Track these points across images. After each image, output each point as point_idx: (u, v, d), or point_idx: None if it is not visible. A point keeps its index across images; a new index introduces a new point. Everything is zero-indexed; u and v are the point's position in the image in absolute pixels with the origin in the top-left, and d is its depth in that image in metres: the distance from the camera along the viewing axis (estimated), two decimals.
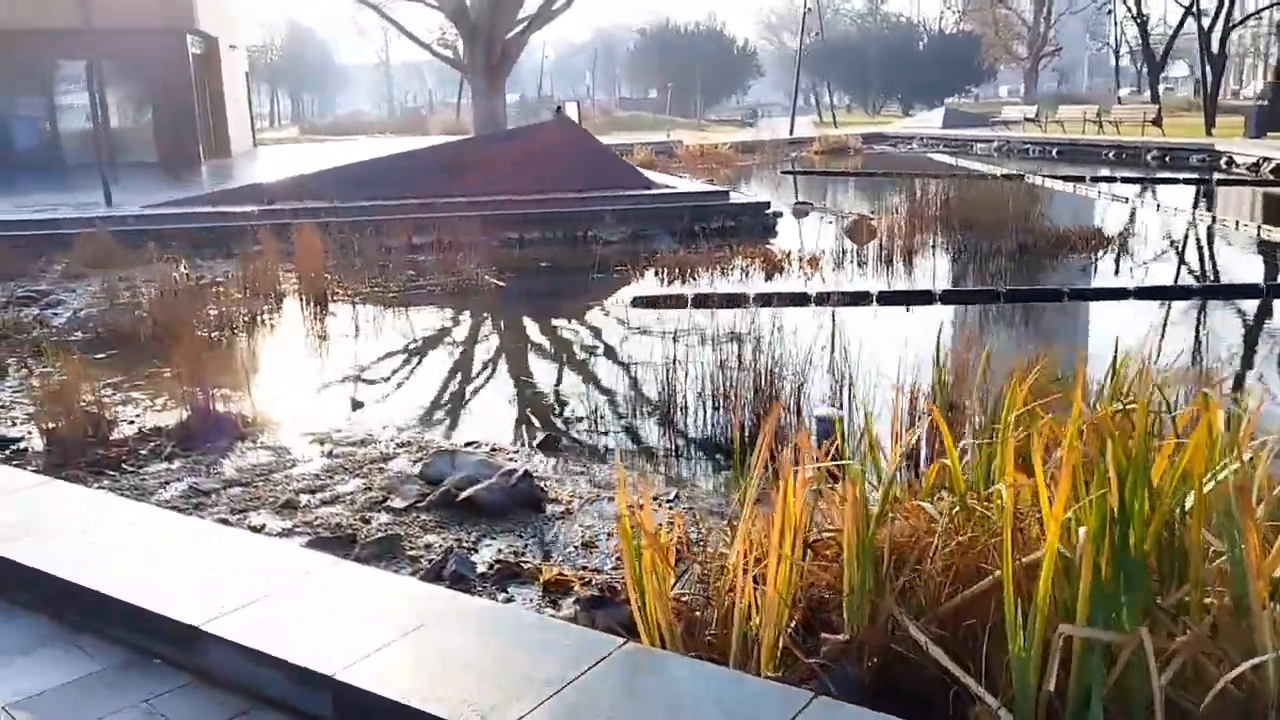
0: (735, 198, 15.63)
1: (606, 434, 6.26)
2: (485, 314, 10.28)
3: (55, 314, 10.10)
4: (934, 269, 11.84)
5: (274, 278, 10.58)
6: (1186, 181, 21.14)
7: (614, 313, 10.02)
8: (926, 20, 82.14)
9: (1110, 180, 19.37)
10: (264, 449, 6.06)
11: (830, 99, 56.71)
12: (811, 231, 15.28)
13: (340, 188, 15.26)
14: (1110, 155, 27.16)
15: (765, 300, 9.78)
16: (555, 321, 10.03)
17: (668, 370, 6.43)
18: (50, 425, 6.11)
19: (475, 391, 7.55)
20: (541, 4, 31.53)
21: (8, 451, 6.10)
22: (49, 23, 23.03)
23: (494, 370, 8.24)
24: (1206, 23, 34.56)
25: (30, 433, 6.42)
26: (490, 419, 6.72)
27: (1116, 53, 75.20)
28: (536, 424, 6.60)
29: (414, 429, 6.44)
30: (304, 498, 5.23)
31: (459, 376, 8.01)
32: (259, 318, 9.82)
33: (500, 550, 4.53)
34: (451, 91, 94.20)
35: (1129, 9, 40.86)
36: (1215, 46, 33.41)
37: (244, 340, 9.27)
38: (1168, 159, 25.66)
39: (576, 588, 4.12)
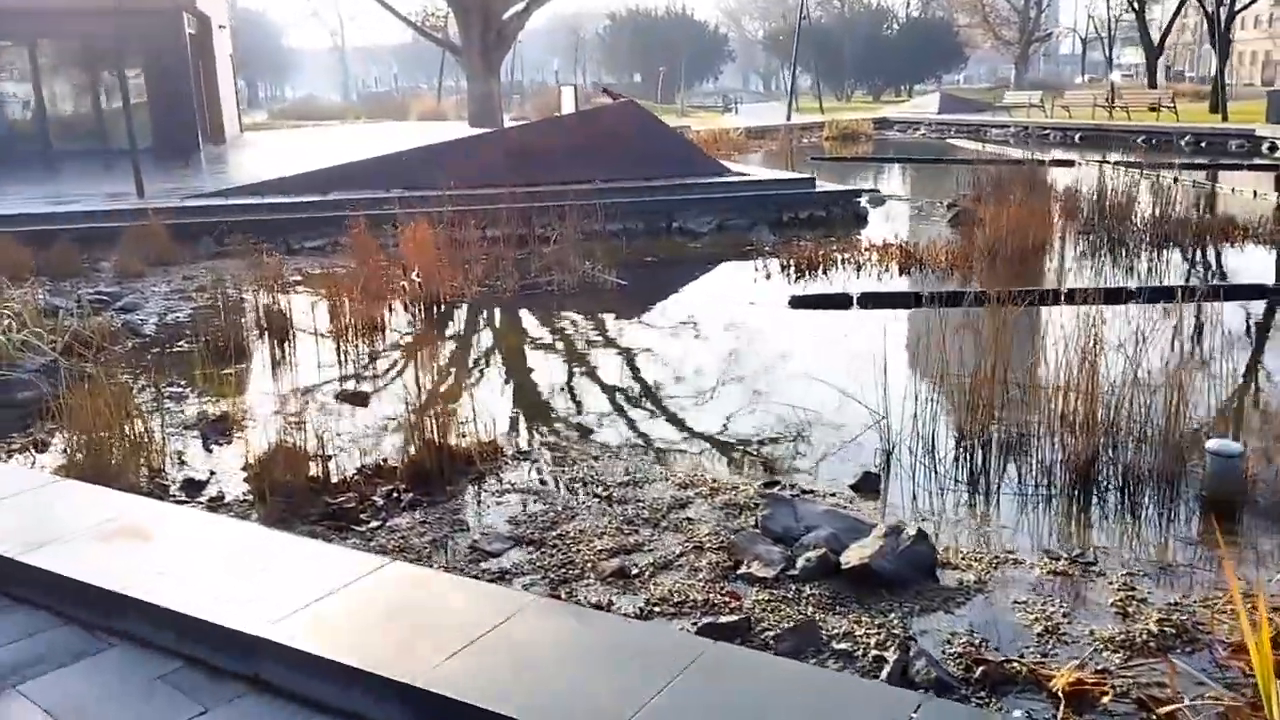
0: (821, 186, 14.71)
1: (928, 470, 5.29)
2: (637, 317, 9.17)
3: (139, 319, 8.91)
4: (1126, 265, 10.84)
5: (384, 276, 9.43)
6: (1260, 168, 20.50)
7: (775, 314, 9.06)
8: (894, 5, 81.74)
9: (1188, 167, 18.68)
10: (520, 491, 5.05)
11: (817, 86, 55.73)
12: (902, 221, 14.42)
13: (391, 177, 14.13)
14: (1140, 141, 26.60)
15: (941, 299, 8.86)
16: (724, 327, 8.93)
17: (936, 384, 5.48)
18: (255, 465, 5.04)
19: (709, 412, 6.47)
20: None
21: (204, 498, 5.02)
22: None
23: (715, 387, 7.05)
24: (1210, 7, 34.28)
25: (214, 473, 5.35)
26: (758, 448, 5.74)
27: (1085, 40, 75.48)
28: (821, 455, 5.61)
29: (675, 462, 5.44)
30: (619, 560, 4.23)
31: (678, 394, 6.93)
32: (380, 322, 8.70)
33: (949, 639, 3.59)
34: (419, 77, 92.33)
35: None
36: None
37: (397, 352, 8.18)
38: (1203, 144, 25.15)
39: (1106, 700, 3.19)
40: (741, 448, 5.76)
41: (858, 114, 40.99)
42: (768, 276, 10.58)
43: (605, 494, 4.97)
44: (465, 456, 5.34)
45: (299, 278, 10.92)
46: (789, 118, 39.99)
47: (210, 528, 3.84)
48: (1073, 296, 6.77)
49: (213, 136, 25.86)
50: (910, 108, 44.01)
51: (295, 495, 4.86)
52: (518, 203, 12.14)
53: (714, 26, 77.16)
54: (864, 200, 14.77)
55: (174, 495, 5.09)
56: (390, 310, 9.06)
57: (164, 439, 5.49)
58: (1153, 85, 39.26)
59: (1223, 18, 33.90)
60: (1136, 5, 39.34)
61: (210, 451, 5.84)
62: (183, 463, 5.56)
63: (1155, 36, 40.95)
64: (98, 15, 21.44)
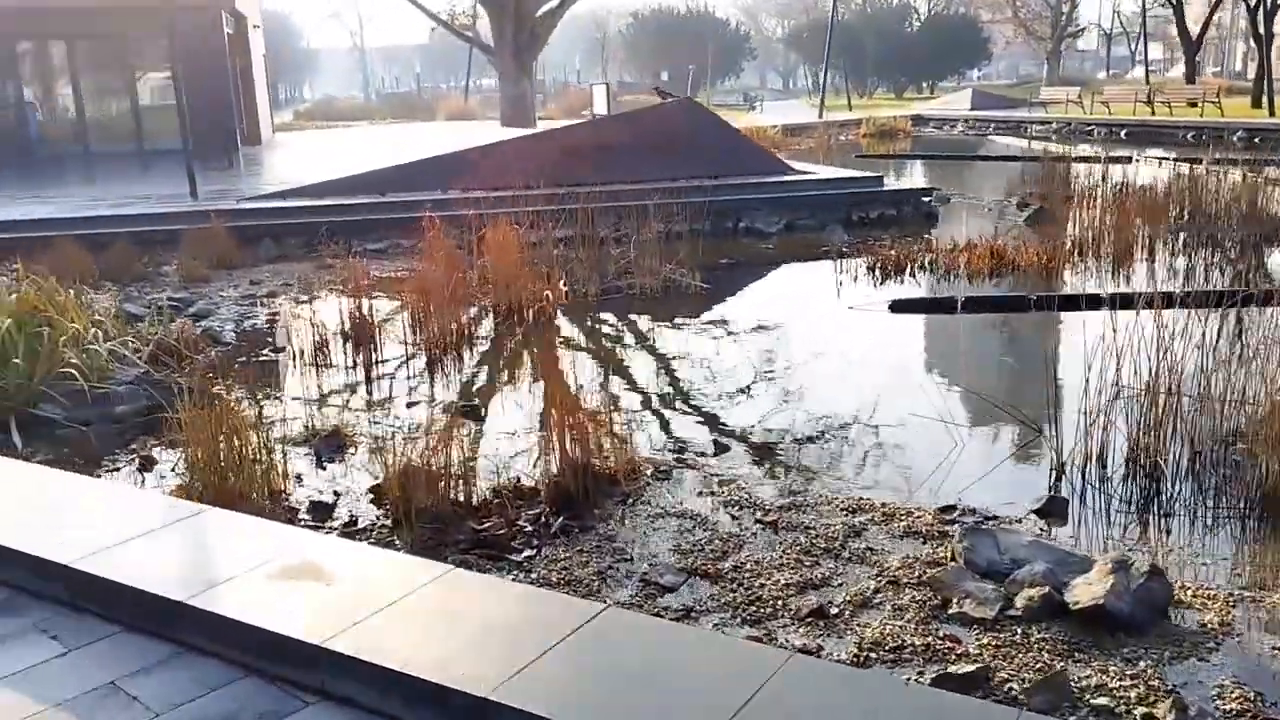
0: (890, 184, 14.32)
1: (1104, 492, 4.91)
2: (732, 323, 8.75)
3: (216, 326, 8.60)
4: (1236, 265, 10.35)
5: (463, 280, 9.05)
6: None
7: (877, 319, 8.68)
8: (916, 1, 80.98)
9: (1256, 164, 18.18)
10: (673, 515, 4.70)
11: (846, 82, 55.19)
12: (974, 221, 14.01)
13: (446, 177, 13.80)
14: (1189, 137, 26.09)
15: (1049, 303, 8.51)
16: (828, 333, 8.52)
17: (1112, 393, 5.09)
18: (389, 487, 4.70)
19: (848, 427, 6.11)
20: None
21: (335, 523, 4.69)
22: None
23: (844, 398, 6.67)
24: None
25: (338, 494, 5.02)
26: (913, 465, 5.37)
27: (1109, 36, 74.66)
28: (981, 473, 5.23)
29: (830, 483, 5.08)
30: (815, 598, 3.88)
31: (808, 406, 6.52)
32: (466, 329, 8.36)
33: (1218, 693, 3.22)
34: (439, 77, 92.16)
35: None
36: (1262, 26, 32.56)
37: (492, 361, 7.85)
38: (1257, 140, 24.62)
39: None
40: (894, 464, 5.40)
41: (889, 110, 40.48)
42: (855, 279, 10.20)
43: (768, 519, 4.61)
44: (608, 476, 5.00)
45: (367, 281, 10.57)
46: (821, 115, 39.51)
47: (385, 565, 3.51)
48: (1219, 298, 6.35)
49: (249, 138, 25.60)
50: (941, 104, 43.47)
51: (440, 520, 4.52)
52: (593, 203, 11.72)
53: (735, 25, 76.61)
54: (932, 199, 14.38)
55: (303, 520, 4.77)
56: (472, 316, 8.73)
57: (283, 457, 5.15)
58: (1190, 81, 38.65)
59: (1264, 11, 33.29)
60: (1174, 0, 38.71)
61: (324, 469, 5.52)
62: (300, 482, 5.23)
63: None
64: (137, 14, 21.29)
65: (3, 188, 15.77)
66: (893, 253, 10.63)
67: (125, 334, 7.25)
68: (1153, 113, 32.02)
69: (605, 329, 8.79)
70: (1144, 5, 45.72)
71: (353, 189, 13.53)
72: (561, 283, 9.58)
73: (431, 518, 4.52)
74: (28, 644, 3.23)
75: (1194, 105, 32.18)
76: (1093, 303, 8.59)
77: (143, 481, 5.38)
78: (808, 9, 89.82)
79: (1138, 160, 19.87)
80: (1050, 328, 8.27)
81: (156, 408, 6.22)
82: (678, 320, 8.88)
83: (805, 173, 14.90)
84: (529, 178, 13.36)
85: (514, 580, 3.85)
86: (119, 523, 3.75)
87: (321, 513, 4.86)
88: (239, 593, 3.24)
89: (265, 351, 7.95)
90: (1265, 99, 30.10)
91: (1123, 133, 28.38)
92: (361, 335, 8.01)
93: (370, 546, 3.80)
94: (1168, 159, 19.60)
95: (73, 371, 6.21)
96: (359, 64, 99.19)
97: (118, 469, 5.65)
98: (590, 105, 36.79)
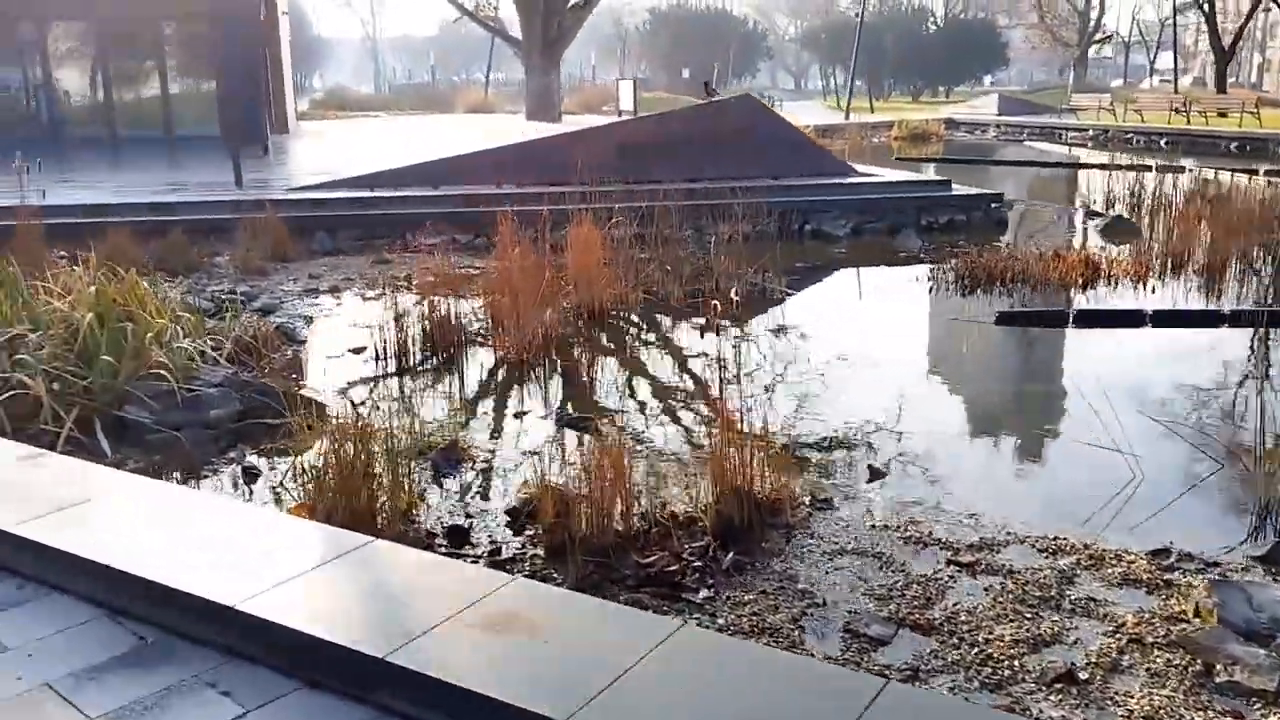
0: (958, 189, 13.87)
1: None
2: (834, 332, 8.31)
3: (288, 323, 8.15)
4: None
5: (542, 280, 8.58)
6: None
7: (984, 332, 8.25)
8: (933, 4, 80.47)
9: None
10: (850, 552, 4.26)
11: (869, 85, 54.70)
12: (1043, 229, 13.57)
13: (494, 171, 13.36)
14: (1233, 147, 25.66)
15: (1168, 319, 8.08)
16: (940, 345, 8.09)
17: None
18: (544, 510, 4.26)
19: (1006, 451, 5.65)
20: None
21: (478, 551, 4.25)
22: None
23: (988, 419, 6.21)
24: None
25: (471, 517, 4.58)
26: (1091, 499, 4.93)
27: (1128, 44, 74.20)
28: (1163, 504, 4.80)
29: (1012, 516, 4.62)
30: (1051, 658, 3.44)
31: (951, 426, 6.11)
32: (553, 332, 7.89)
33: None
34: (452, 69, 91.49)
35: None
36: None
37: (588, 368, 7.40)
38: None
39: None
40: (1071, 497, 4.97)
41: (915, 114, 40.02)
42: (947, 288, 9.74)
43: (961, 560, 4.17)
44: (770, 505, 4.55)
45: (432, 278, 10.11)
46: (847, 116, 39.08)
47: (597, 617, 3.05)
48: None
49: (276, 126, 25.13)
50: (969, 108, 43.00)
51: (601, 552, 4.08)
52: (660, 200, 11.25)
53: (753, 24, 76.10)
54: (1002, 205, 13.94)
55: (440, 546, 4.33)
56: (554, 318, 8.26)
57: (410, 473, 4.69)
58: (1221, 90, 38.28)
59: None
60: (1206, 9, 38.31)
61: (441, 485, 5.07)
62: (425, 500, 4.78)
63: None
64: None
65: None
66: (983, 260, 10.16)
67: (203, 330, 6.80)
68: (1188, 122, 31.57)
69: (699, 335, 8.33)
70: (1174, 11, 45.21)
71: (404, 180, 13.07)
72: (641, 285, 9.14)
73: (596, 550, 4.07)
74: (200, 702, 2.78)
75: (1224, 115, 31.78)
76: (1211, 320, 8.18)
77: (249, 495, 4.93)
78: (820, 9, 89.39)
79: (1192, 170, 19.40)
80: (1178, 346, 7.83)
81: (251, 411, 5.80)
82: (773, 327, 8.43)
83: (869, 175, 14.44)
84: (587, 173, 12.90)
85: (744, 639, 3.40)
86: (280, 555, 3.31)
87: (458, 538, 4.42)
88: (442, 647, 2.79)
89: (343, 352, 7.48)
90: None
91: (1162, 141, 27.92)
92: (445, 336, 7.54)
93: (572, 593, 3.34)
94: (1224, 170, 19.14)
95: (162, 372, 5.76)
96: (370, 54, 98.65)
97: (217, 473, 5.22)
98: (617, 101, 36.49)
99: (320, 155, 19.91)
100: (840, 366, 7.31)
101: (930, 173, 19.18)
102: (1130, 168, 18.34)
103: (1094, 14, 55.81)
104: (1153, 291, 9.55)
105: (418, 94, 60.36)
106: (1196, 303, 9.21)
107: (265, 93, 22.31)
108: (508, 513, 4.61)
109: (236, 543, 3.42)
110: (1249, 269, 10.18)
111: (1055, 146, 30.26)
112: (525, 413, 6.22)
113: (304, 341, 7.77)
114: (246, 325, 7.34)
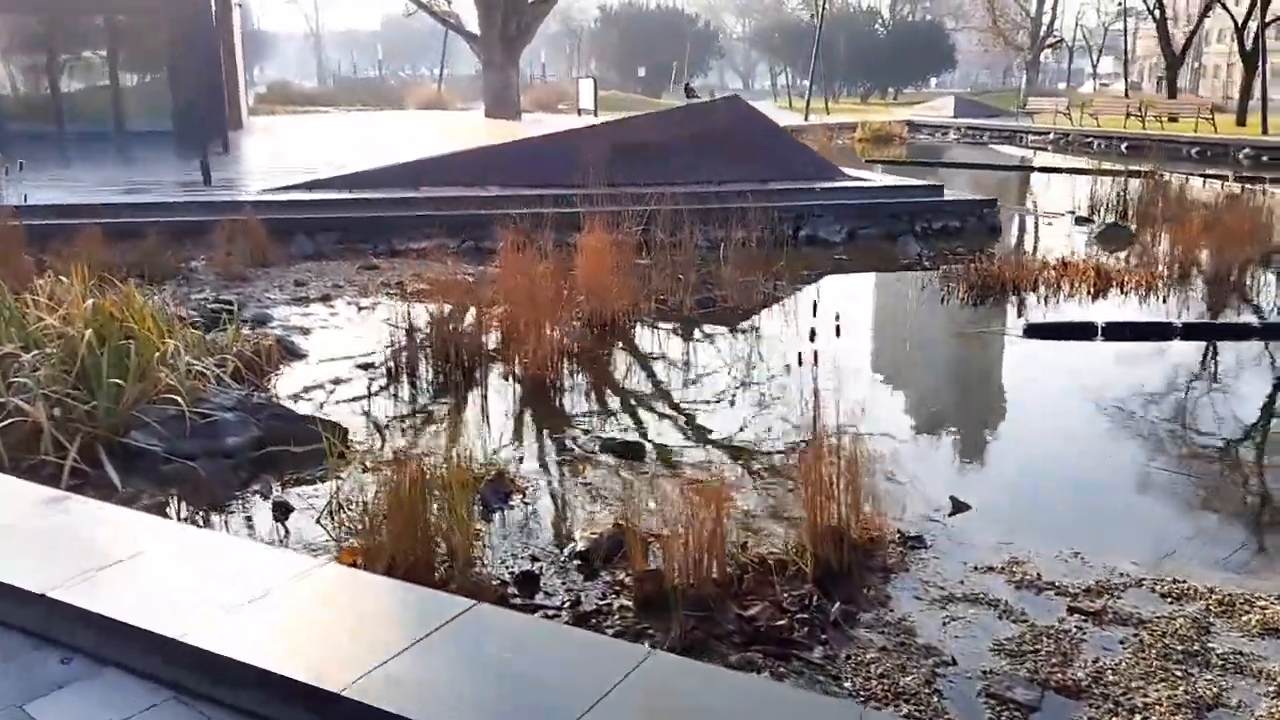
0: (950, 194, 13.67)
1: None
2: (860, 344, 8.00)
3: (286, 335, 7.64)
4: None
5: (547, 288, 8.13)
6: None
7: (1014, 345, 8.00)
8: (880, 6, 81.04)
9: None
10: (960, 600, 3.94)
11: (823, 86, 54.76)
12: (1034, 236, 13.44)
13: (484, 172, 12.91)
14: (1193, 152, 25.90)
15: (1199, 332, 7.89)
16: (975, 360, 7.81)
17: None
18: (635, 556, 3.87)
19: (1087, 481, 5.32)
20: None
21: (553, 601, 3.85)
22: None
23: (1048, 442, 5.88)
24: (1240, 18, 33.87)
25: (537, 560, 4.18)
26: (1181, 532, 4.65)
27: (1070, 51, 75.13)
28: (1249, 536, 4.54)
29: (1118, 556, 4.32)
30: None
31: (1011, 451, 5.82)
32: (567, 344, 7.47)
33: None
34: (398, 64, 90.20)
35: (1146, 3, 40.13)
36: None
37: (616, 384, 7.00)
38: (1264, 158, 24.44)
39: None
40: (1165, 531, 4.69)
41: (876, 116, 40.07)
42: (960, 299, 9.48)
43: (1084, 608, 3.86)
44: (864, 545, 4.21)
45: (424, 286, 9.63)
46: (806, 117, 39.02)
47: (763, 699, 2.68)
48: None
49: (231, 122, 24.30)
50: (928, 110, 43.18)
51: (700, 605, 3.70)
52: (661, 204, 10.84)
53: (705, 23, 75.90)
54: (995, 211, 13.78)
55: (511, 595, 3.92)
56: (564, 329, 7.84)
57: (467, 513, 4.25)
58: (1172, 95, 38.77)
59: (1252, 29, 33.36)
60: (1158, 15, 38.82)
61: (489, 521, 4.65)
62: (480, 541, 4.36)
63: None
64: None
65: None
66: (980, 268, 9.92)
67: (203, 347, 6.30)
68: (1143, 126, 31.89)
69: (718, 346, 7.97)
70: (1124, 15, 45.79)
71: (386, 181, 12.56)
72: (650, 293, 8.78)
73: (696, 603, 3.69)
74: None
75: (1174, 120, 32.17)
76: (1241, 333, 8.01)
77: (285, 537, 4.48)
78: (768, 9, 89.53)
79: (1164, 175, 19.46)
80: (1216, 361, 7.63)
81: (270, 437, 5.34)
82: (792, 339, 8.08)
83: (860, 179, 14.21)
84: (579, 176, 12.49)
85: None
86: (372, 624, 2.89)
87: (529, 586, 4.02)
88: None
89: (349, 366, 7.01)
90: (1261, 117, 30.06)
91: (1123, 146, 28.13)
92: (459, 350, 7.08)
93: (720, 670, 2.97)
94: (1194, 174, 19.24)
95: (171, 396, 5.27)
96: (313, 49, 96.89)
97: (244, 507, 4.76)
98: (576, 100, 35.97)
99: (278, 152, 19.24)
100: (869, 382, 7.00)
101: (910, 177, 19.01)
102: (1106, 172, 18.38)
103: (1046, 18, 56.34)
104: (1164, 301, 9.39)
105: (365, 89, 59.16)
106: (1218, 314, 9.08)
107: (223, 87, 21.54)
108: (578, 555, 4.21)
109: (316, 607, 3.00)
110: (1260, 279, 10.07)
111: (1017, 150, 30.40)
112: (562, 435, 5.81)
113: (304, 356, 7.27)
114: (247, 340, 6.87)
